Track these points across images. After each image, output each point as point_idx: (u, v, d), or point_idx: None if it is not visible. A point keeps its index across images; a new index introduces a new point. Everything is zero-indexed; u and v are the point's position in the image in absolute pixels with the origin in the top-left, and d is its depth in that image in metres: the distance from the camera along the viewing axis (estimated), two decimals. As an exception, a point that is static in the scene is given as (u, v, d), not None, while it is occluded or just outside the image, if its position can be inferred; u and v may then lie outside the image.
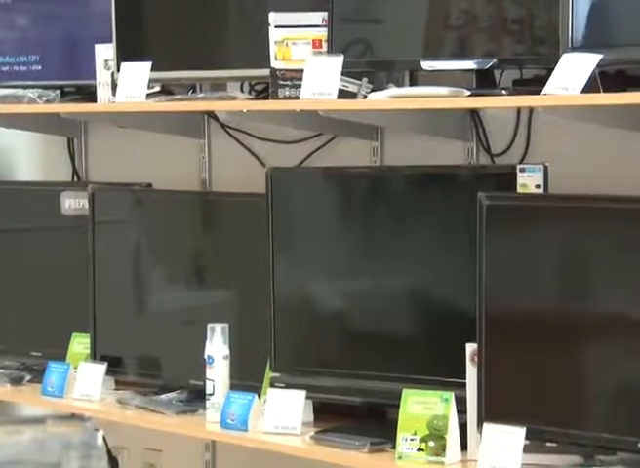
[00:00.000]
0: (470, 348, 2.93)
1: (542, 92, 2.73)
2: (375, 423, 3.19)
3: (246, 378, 3.35)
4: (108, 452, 3.75)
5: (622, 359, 2.77)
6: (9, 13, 4.00)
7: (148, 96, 3.50)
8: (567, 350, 2.83)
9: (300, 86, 3.13)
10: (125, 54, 3.59)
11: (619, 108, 2.75)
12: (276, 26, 3.22)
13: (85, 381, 3.67)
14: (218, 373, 3.34)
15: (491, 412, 2.89)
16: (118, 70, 3.56)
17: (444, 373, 3.02)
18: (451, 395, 2.94)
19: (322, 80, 3.09)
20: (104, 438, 3.63)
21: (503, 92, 2.94)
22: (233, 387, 3.34)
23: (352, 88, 3.11)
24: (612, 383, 2.79)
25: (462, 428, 2.95)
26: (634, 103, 2.70)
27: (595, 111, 2.77)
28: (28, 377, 3.89)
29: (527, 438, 2.80)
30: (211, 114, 3.70)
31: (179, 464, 3.92)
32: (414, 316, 3.20)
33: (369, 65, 3.19)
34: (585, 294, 2.82)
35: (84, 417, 3.96)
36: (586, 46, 2.74)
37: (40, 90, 3.86)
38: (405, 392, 2.99)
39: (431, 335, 3.14)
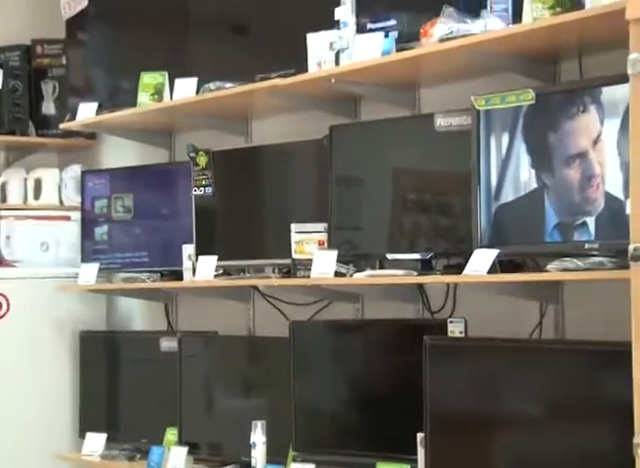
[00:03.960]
0: (420, 436, 2.91)
1: (463, 273, 2.75)
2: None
3: (277, 456, 3.31)
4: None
5: (522, 443, 2.76)
6: (129, 226, 4.03)
7: (215, 276, 3.52)
8: (484, 437, 2.82)
9: (310, 269, 3.14)
10: (201, 250, 3.61)
11: (510, 283, 2.77)
12: (296, 232, 3.24)
13: (174, 459, 3.61)
14: (258, 453, 3.30)
15: (434, 477, 2.87)
16: (197, 260, 3.58)
17: (404, 452, 2.98)
18: (408, 466, 2.93)
19: (324, 265, 3.11)
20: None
21: (438, 273, 2.97)
22: (268, 462, 3.30)
23: (343, 270, 3.11)
24: (517, 457, 2.78)
25: (416, 488, 2.92)
26: (518, 281, 2.73)
27: (496, 285, 2.79)
28: (138, 456, 3.82)
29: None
30: (254, 287, 3.70)
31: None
32: (384, 416, 3.17)
33: (354, 257, 3.19)
34: (495, 401, 2.81)
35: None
36: (489, 244, 2.77)
37: (147, 273, 3.88)
38: (378, 464, 2.99)
39: (395, 428, 3.10)
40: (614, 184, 2.52)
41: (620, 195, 2.50)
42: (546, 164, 2.68)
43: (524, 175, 2.73)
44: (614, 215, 2.52)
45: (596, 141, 2.57)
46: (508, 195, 2.76)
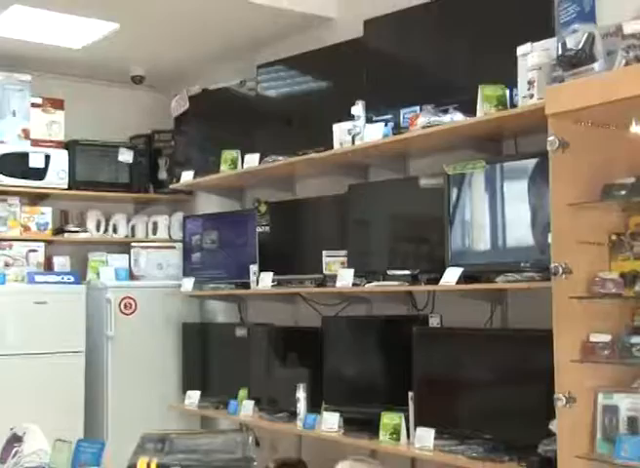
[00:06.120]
0: (411, 394, 2.87)
1: (439, 283, 2.73)
2: (370, 427, 3.04)
3: (314, 407, 3.28)
4: (256, 443, 3.51)
5: (480, 399, 2.72)
6: (214, 253, 4.00)
7: (272, 286, 3.50)
8: (454, 395, 2.79)
9: (336, 281, 3.13)
10: (262, 268, 3.55)
11: (470, 290, 2.74)
12: (326, 256, 3.24)
13: (245, 409, 3.60)
14: (301, 405, 3.28)
15: (420, 422, 2.82)
16: (259, 275, 3.56)
17: (400, 404, 2.93)
18: (402, 414, 2.89)
19: (345, 279, 3.10)
20: (255, 435, 3.33)
21: (423, 283, 2.93)
22: (308, 411, 3.27)
23: (358, 281, 3.10)
24: (475, 407, 2.72)
25: (408, 429, 2.87)
26: (476, 288, 2.70)
27: (461, 291, 2.76)
28: (221, 406, 3.76)
29: (436, 433, 2.74)
30: (298, 293, 3.65)
31: (286, 444, 3.77)
32: (385, 380, 3.13)
33: (366, 272, 3.14)
34: (461, 370, 2.78)
35: (244, 429, 3.81)
36: (456, 264, 2.74)
37: (226, 284, 3.86)
38: (383, 413, 2.94)
39: (394, 388, 3.05)
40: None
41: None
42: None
43: (476, 214, 2.72)
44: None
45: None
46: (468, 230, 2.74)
